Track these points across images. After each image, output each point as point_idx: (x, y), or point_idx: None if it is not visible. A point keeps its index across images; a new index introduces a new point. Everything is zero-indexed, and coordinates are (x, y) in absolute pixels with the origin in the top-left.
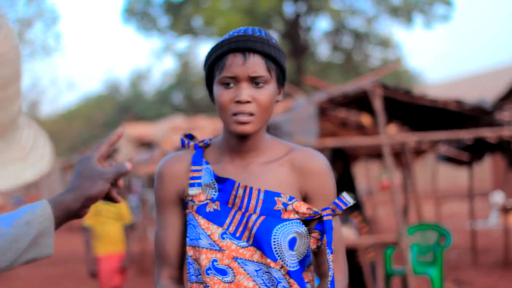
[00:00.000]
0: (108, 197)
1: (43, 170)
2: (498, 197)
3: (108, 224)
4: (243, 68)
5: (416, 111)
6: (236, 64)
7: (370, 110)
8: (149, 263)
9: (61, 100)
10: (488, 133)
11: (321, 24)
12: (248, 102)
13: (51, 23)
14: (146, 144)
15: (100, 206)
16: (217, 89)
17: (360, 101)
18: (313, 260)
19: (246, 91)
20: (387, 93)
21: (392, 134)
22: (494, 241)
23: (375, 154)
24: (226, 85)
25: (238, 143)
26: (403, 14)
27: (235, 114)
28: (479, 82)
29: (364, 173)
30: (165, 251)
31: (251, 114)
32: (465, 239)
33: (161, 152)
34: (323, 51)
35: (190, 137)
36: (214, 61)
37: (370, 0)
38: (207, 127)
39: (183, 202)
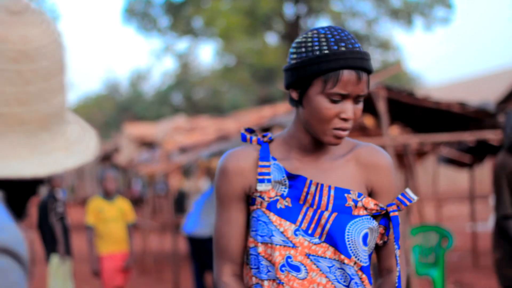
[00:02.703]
0: None
1: (86, 160)
2: None
3: (110, 223)
4: (356, 87)
5: (418, 113)
6: (352, 83)
7: (372, 111)
8: (151, 263)
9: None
10: (491, 135)
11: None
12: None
13: None
14: (147, 144)
15: (103, 205)
16: (321, 100)
17: (363, 103)
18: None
19: (351, 108)
20: (391, 94)
21: (394, 135)
22: None
23: None
24: (334, 100)
25: (313, 142)
26: (404, 16)
27: (336, 129)
28: (478, 85)
29: None
30: (230, 247)
31: (348, 129)
32: (465, 241)
33: (163, 152)
34: None
35: (250, 131)
36: (325, 71)
37: (371, 2)
38: (210, 127)
39: (248, 198)
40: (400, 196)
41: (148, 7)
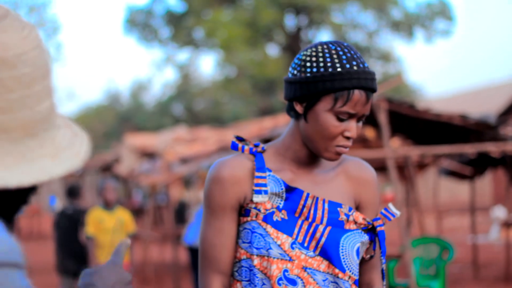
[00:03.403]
0: None
1: (74, 167)
2: (499, 212)
3: (110, 234)
4: (364, 108)
5: (419, 125)
6: (361, 103)
7: (373, 123)
8: (152, 273)
9: (61, 109)
10: (492, 148)
11: (322, 38)
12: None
13: (52, 33)
14: (148, 155)
15: (103, 215)
16: (328, 117)
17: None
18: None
19: (355, 127)
20: (392, 107)
21: (395, 147)
22: (495, 256)
23: (378, 167)
24: (341, 118)
25: (309, 157)
26: (404, 28)
27: (339, 146)
28: (479, 97)
29: None
30: (220, 259)
31: (349, 147)
32: (466, 253)
33: (164, 163)
34: None
35: (241, 139)
36: (337, 89)
37: (372, 14)
38: (211, 138)
39: (241, 209)
40: (383, 211)
41: (149, 18)
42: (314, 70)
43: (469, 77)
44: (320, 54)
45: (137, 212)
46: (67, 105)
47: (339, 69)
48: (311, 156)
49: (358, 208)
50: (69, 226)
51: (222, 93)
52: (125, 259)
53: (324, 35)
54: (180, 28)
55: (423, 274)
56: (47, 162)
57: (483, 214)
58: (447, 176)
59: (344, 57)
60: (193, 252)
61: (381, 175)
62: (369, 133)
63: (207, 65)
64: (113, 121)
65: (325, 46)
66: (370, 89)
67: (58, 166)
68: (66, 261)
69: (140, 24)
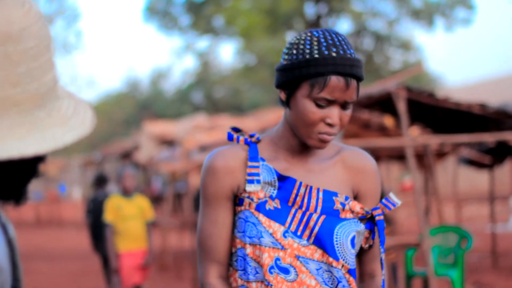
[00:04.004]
0: None
1: (83, 134)
2: None
3: (129, 221)
4: (343, 94)
5: (439, 114)
6: (339, 89)
7: (393, 112)
8: (170, 261)
9: (81, 97)
10: (511, 137)
11: (342, 26)
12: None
13: (72, 21)
14: (167, 142)
15: (122, 203)
16: (307, 103)
17: (383, 103)
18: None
19: (337, 114)
20: (411, 95)
21: (414, 136)
22: None
23: (397, 155)
24: (320, 104)
25: (302, 145)
26: (425, 17)
27: (321, 133)
28: (499, 86)
29: (385, 175)
30: (216, 248)
31: (334, 134)
32: (485, 242)
33: (183, 150)
34: None
35: (237, 130)
36: (313, 75)
37: (392, 3)
38: (229, 126)
39: (236, 198)
40: (384, 201)
41: (169, 6)
42: (294, 57)
43: (489, 66)
44: (302, 42)
45: (156, 200)
46: (87, 93)
47: (316, 56)
48: (303, 144)
49: (357, 197)
50: (101, 211)
51: (241, 81)
52: (144, 247)
53: (344, 24)
54: (200, 16)
55: (442, 263)
56: (57, 130)
57: (502, 203)
58: (466, 165)
59: (324, 44)
60: None
61: (400, 164)
62: (388, 121)
63: (227, 53)
64: (132, 109)
65: (309, 34)
66: (350, 75)
67: (68, 134)
68: (99, 244)
69: (160, 12)
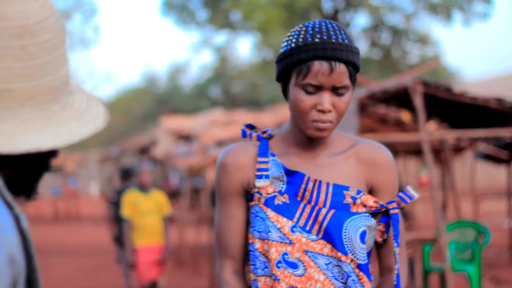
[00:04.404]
0: None
1: (98, 128)
2: None
3: (146, 216)
4: (329, 78)
5: (456, 108)
6: (322, 74)
7: (409, 106)
8: (187, 256)
9: (99, 92)
10: None
11: (360, 20)
12: (329, 111)
13: (89, 15)
14: (184, 137)
15: (139, 198)
16: (296, 92)
17: (400, 98)
18: (374, 253)
19: (328, 100)
20: (428, 90)
21: (431, 131)
22: None
23: (414, 150)
24: (308, 91)
25: (308, 140)
26: (442, 11)
27: (315, 121)
28: None
29: (402, 170)
30: (229, 244)
31: (330, 122)
32: (503, 237)
33: (200, 145)
34: (362, 47)
35: (251, 127)
36: (296, 62)
37: None
38: (246, 121)
39: (247, 194)
40: (401, 194)
41: (187, 0)
42: (284, 49)
43: (507, 60)
44: (292, 33)
45: (174, 195)
46: (105, 88)
47: (300, 43)
48: (312, 140)
49: (372, 191)
50: None
51: (259, 75)
52: (160, 242)
53: (361, 18)
54: (217, 11)
55: (459, 258)
56: (73, 124)
57: None
58: (483, 160)
59: (310, 32)
60: None
61: (417, 159)
62: (405, 116)
63: (244, 47)
64: (150, 104)
65: (301, 25)
66: (332, 59)
67: (83, 128)
68: (122, 236)
69: (177, 6)
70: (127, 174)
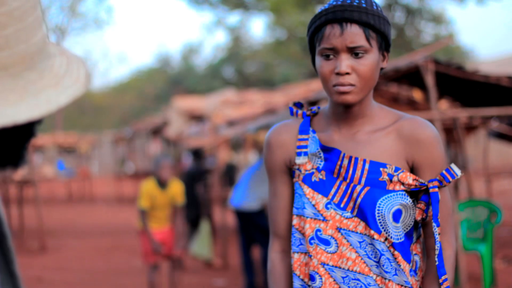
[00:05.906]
0: None
1: (78, 93)
2: None
3: (159, 209)
4: (341, 39)
5: (468, 87)
6: (334, 35)
7: (421, 85)
8: None
9: (112, 73)
10: None
11: None
12: (347, 73)
13: None
14: (196, 117)
15: (156, 193)
16: (318, 60)
17: (412, 76)
18: (421, 233)
19: (345, 62)
20: (439, 68)
21: (443, 109)
22: None
23: None
24: (326, 56)
25: (344, 111)
26: None
27: (335, 85)
28: None
29: None
30: (277, 221)
31: (351, 85)
32: None
33: (212, 126)
34: None
35: (299, 105)
36: (314, 32)
37: None
38: (258, 101)
39: (290, 171)
40: (444, 172)
41: None
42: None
43: None
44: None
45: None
46: (118, 69)
47: (316, 13)
48: (348, 112)
49: (413, 169)
50: (191, 182)
51: (272, 55)
52: (168, 226)
53: None
54: None
55: (471, 238)
56: (51, 92)
57: None
58: (496, 138)
59: (325, 6)
60: (240, 215)
61: None
62: (417, 95)
63: (258, 27)
64: (164, 84)
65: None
66: (343, 20)
67: (62, 95)
68: (188, 210)
69: None
70: (197, 156)
